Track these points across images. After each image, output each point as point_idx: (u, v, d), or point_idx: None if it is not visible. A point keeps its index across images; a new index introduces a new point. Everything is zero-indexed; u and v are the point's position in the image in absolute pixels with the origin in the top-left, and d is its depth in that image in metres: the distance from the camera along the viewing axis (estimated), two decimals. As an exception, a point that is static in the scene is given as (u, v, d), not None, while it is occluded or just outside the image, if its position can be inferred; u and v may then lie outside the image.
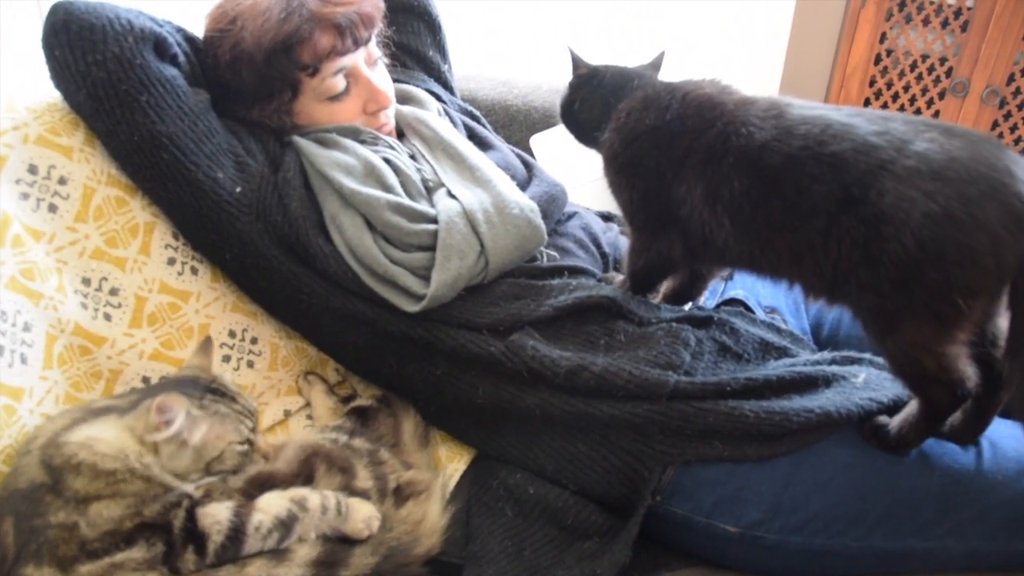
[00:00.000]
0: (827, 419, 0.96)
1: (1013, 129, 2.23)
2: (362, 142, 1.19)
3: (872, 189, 0.82)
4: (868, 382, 1.01)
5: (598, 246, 1.29)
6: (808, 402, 0.97)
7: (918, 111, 2.29)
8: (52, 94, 1.07)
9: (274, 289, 1.13)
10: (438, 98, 1.40)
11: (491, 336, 1.07)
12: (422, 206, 1.13)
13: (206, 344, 1.01)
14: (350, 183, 1.11)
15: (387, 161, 1.17)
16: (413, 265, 1.10)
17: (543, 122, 1.73)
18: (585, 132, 1.12)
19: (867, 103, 2.30)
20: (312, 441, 1.02)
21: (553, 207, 1.24)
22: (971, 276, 0.80)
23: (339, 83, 1.18)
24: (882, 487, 0.94)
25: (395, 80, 1.34)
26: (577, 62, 1.14)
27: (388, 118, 1.25)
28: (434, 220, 1.12)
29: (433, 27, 1.48)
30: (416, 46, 1.46)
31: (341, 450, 1.01)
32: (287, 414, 1.24)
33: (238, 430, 0.91)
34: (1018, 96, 2.18)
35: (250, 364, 1.21)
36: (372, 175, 1.14)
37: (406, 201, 1.12)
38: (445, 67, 1.50)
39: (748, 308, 1.22)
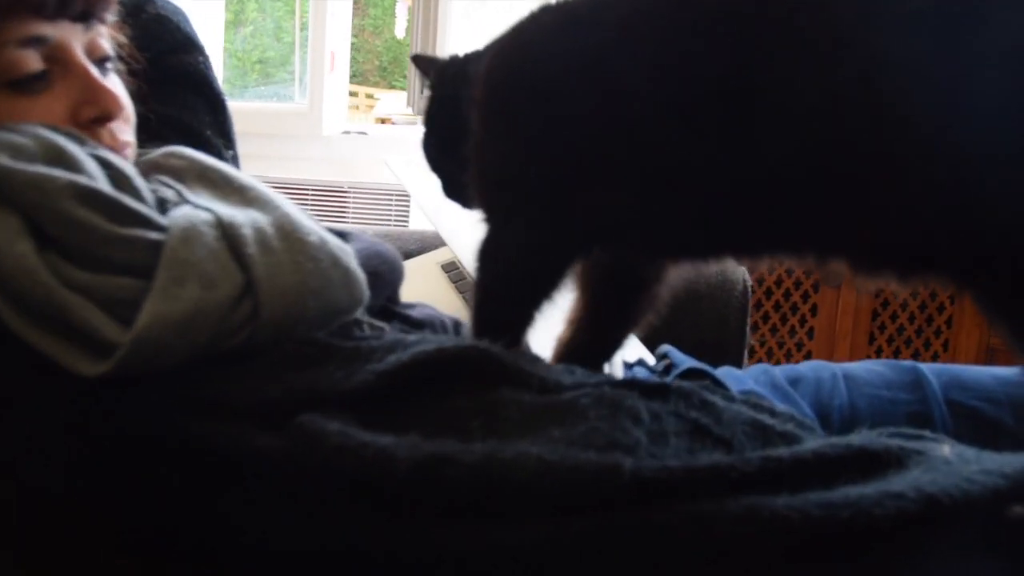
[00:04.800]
0: (933, 507, 0.48)
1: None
2: (62, 135, 0.70)
3: None
4: (962, 455, 0.56)
5: None
6: (890, 485, 0.51)
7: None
8: None
9: None
10: None
11: (259, 427, 0.55)
12: (140, 206, 0.64)
13: None
14: (6, 161, 0.62)
15: (98, 159, 0.68)
16: (108, 294, 0.58)
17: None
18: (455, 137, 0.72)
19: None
20: None
21: (379, 264, 0.77)
22: None
23: (29, 60, 0.71)
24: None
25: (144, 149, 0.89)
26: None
27: (117, 137, 0.78)
28: (160, 229, 0.63)
29: (215, 105, 1.05)
30: (188, 121, 1.01)
31: None
32: None
33: None
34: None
35: None
36: (58, 161, 0.64)
37: (108, 190, 0.63)
38: (229, 154, 1.06)
39: (717, 382, 0.75)
